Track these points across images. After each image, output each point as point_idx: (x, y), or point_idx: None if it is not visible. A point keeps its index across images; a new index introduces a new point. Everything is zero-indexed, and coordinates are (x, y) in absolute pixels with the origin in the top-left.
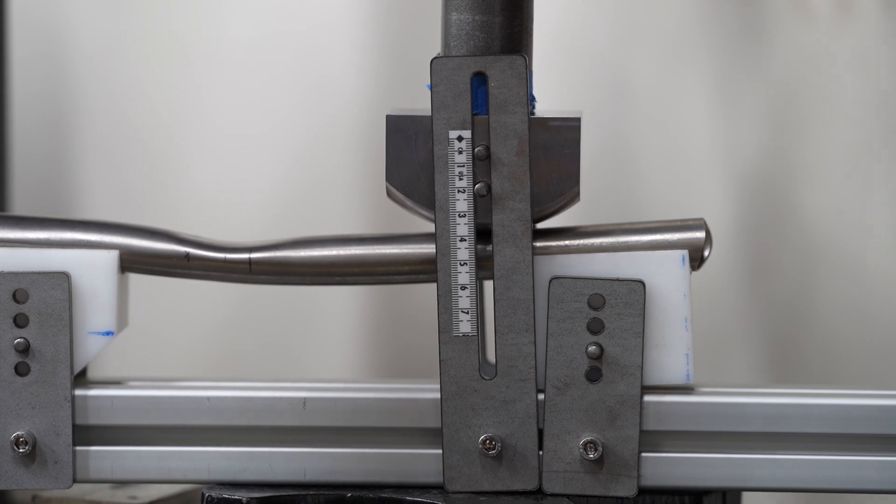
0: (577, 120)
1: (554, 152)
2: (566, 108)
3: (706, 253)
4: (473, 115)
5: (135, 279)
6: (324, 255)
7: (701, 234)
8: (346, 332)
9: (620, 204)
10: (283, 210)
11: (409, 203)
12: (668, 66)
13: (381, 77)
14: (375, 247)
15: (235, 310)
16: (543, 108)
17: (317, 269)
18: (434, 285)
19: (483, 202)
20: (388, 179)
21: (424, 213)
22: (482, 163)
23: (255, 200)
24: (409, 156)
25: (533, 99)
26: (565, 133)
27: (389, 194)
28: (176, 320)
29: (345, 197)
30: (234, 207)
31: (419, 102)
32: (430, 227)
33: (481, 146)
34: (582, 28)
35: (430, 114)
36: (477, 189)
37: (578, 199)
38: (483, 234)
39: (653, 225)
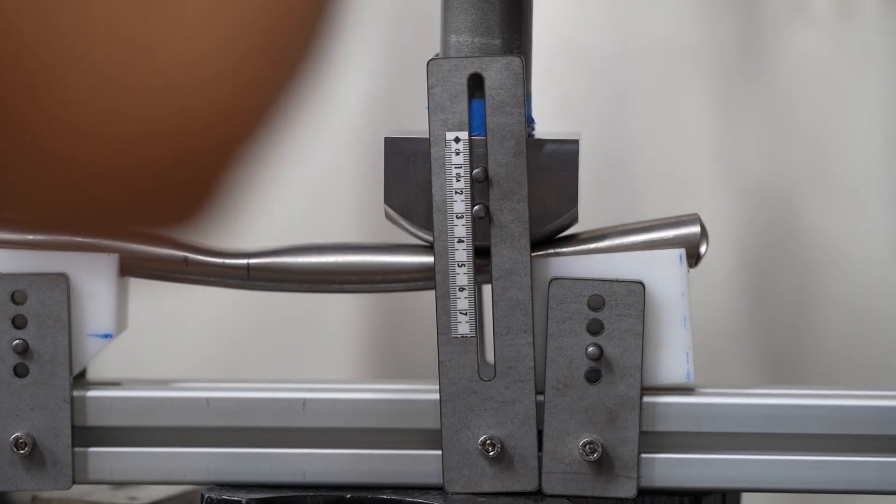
0: (576, 142)
1: (552, 173)
2: (564, 115)
3: (703, 249)
4: (472, 136)
5: (135, 279)
6: (322, 262)
7: (696, 229)
8: (346, 332)
9: (619, 212)
10: (283, 222)
11: (406, 225)
12: (668, 75)
13: (380, 93)
14: (374, 255)
15: (235, 310)
16: (542, 130)
17: (315, 277)
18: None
19: (482, 224)
20: (386, 202)
21: (423, 235)
22: (480, 185)
23: (255, 212)
24: (407, 178)
25: (532, 121)
26: (563, 154)
27: (387, 216)
28: (176, 321)
29: (346, 201)
30: (233, 219)
31: (418, 123)
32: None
33: (479, 168)
34: (581, 39)
35: (428, 136)
36: (475, 211)
37: (577, 221)
38: (482, 252)
39: (647, 224)
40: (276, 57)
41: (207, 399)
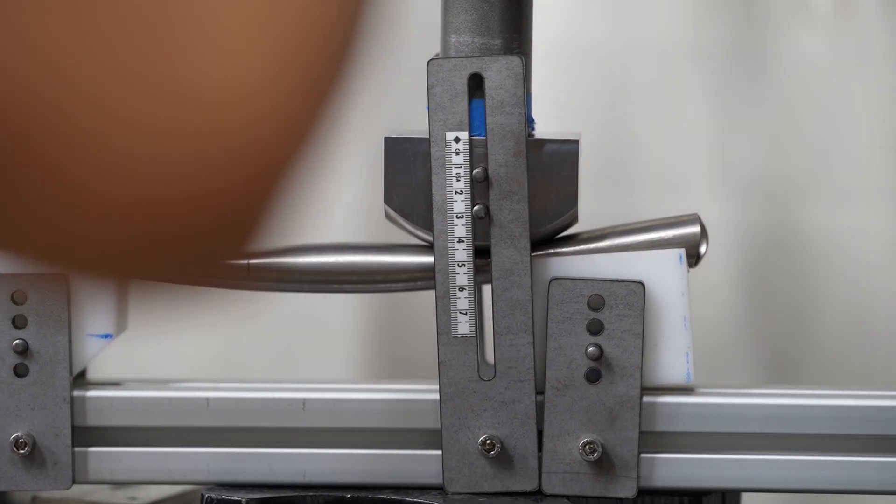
0: (576, 142)
1: (552, 174)
2: (563, 116)
3: (702, 249)
4: (472, 136)
5: None
6: (322, 262)
7: (696, 229)
8: (346, 333)
9: (619, 212)
10: (283, 221)
11: (406, 225)
12: (667, 76)
13: (381, 95)
14: (374, 255)
15: (235, 310)
16: (542, 130)
17: (315, 277)
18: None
19: (482, 224)
20: (385, 202)
21: (423, 235)
22: (480, 185)
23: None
24: (407, 178)
25: (532, 121)
26: (563, 154)
27: (387, 216)
28: (176, 320)
29: (345, 207)
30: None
31: (418, 123)
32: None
33: (480, 168)
34: (581, 40)
35: (428, 136)
36: (475, 211)
37: (577, 221)
38: (482, 252)
39: (647, 224)
40: (313, 76)
41: (207, 399)
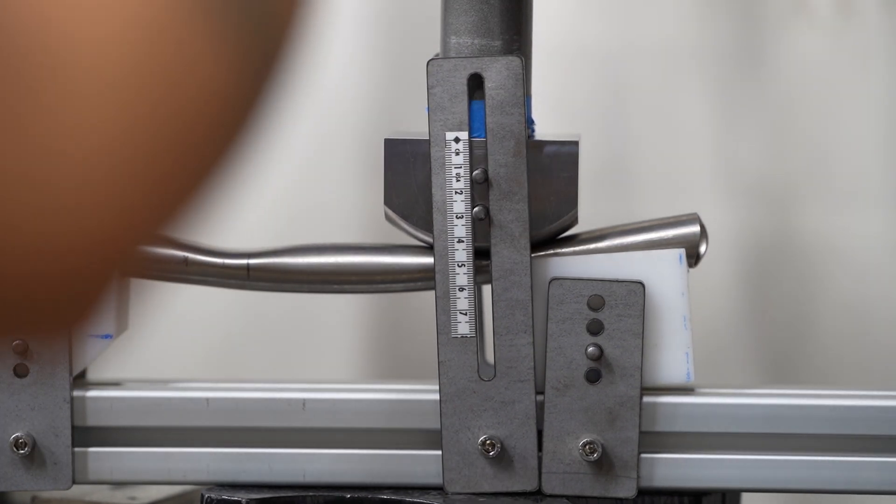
0: (576, 143)
1: (552, 175)
2: (563, 117)
3: (702, 248)
4: (472, 138)
5: (135, 279)
6: (322, 262)
7: (696, 229)
8: (346, 332)
9: (619, 212)
10: (284, 223)
11: (406, 227)
12: (667, 76)
13: (380, 94)
14: (374, 255)
15: (235, 310)
16: (542, 131)
17: (315, 277)
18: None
19: (481, 225)
20: (385, 203)
21: (423, 236)
22: (480, 186)
23: (256, 213)
24: (407, 179)
25: (532, 122)
26: (563, 156)
27: (387, 218)
28: (176, 321)
29: (345, 208)
30: (232, 220)
31: (418, 125)
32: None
33: (479, 169)
34: (581, 40)
35: (427, 138)
36: (475, 213)
37: (577, 222)
38: (482, 252)
39: (647, 224)
40: (197, 143)
41: (207, 399)
